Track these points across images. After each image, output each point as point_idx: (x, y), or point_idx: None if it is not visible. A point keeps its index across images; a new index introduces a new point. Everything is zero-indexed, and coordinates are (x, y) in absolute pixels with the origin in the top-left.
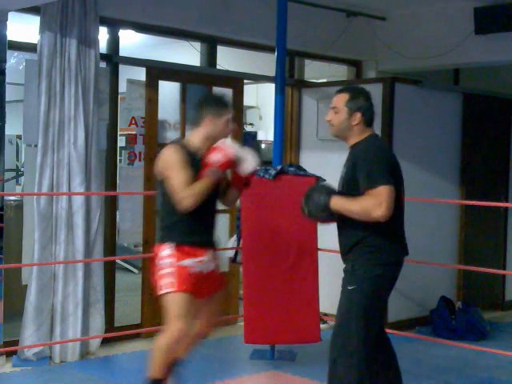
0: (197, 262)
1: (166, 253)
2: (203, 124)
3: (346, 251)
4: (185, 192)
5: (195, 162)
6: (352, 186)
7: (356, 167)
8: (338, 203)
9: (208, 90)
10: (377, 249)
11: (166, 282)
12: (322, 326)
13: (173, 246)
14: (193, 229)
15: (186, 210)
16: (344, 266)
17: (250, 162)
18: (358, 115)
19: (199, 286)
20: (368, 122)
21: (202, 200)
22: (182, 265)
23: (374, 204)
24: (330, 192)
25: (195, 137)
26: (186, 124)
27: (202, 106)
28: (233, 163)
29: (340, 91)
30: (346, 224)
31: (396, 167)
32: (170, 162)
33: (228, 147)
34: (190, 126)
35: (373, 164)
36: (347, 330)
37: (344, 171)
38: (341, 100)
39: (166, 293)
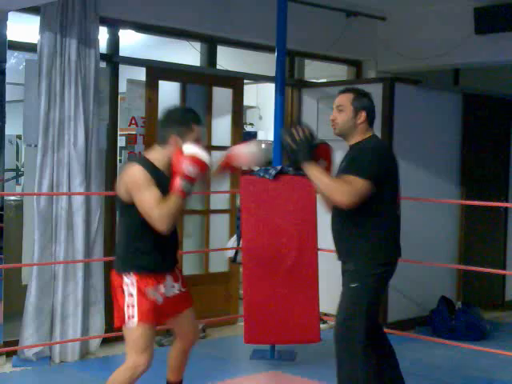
0: (159, 289)
1: (126, 281)
2: (168, 144)
3: (347, 252)
4: (158, 213)
5: (160, 180)
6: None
7: (353, 158)
8: (314, 169)
9: (173, 106)
10: (378, 248)
11: (128, 314)
12: (322, 325)
13: (133, 274)
14: (155, 253)
15: (163, 232)
16: (344, 266)
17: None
18: (363, 114)
19: (164, 311)
20: (371, 122)
21: (176, 219)
22: (145, 294)
23: (345, 190)
24: (312, 153)
25: (159, 156)
26: None
27: (165, 125)
28: (206, 170)
29: (344, 91)
30: (345, 226)
31: (392, 171)
32: (138, 181)
33: (200, 154)
34: (157, 143)
35: (365, 158)
36: (352, 328)
37: (343, 165)
38: (346, 99)
39: (128, 325)
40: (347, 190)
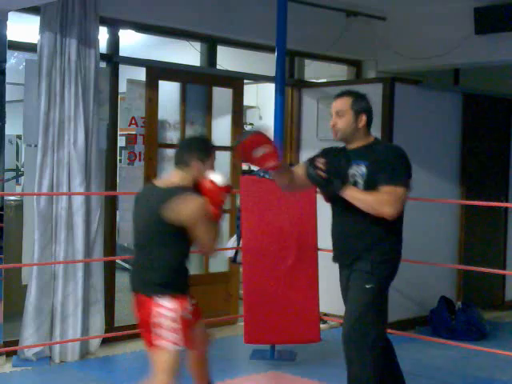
0: (190, 311)
1: (169, 305)
2: (189, 168)
3: (361, 249)
4: (215, 244)
5: None
6: (372, 186)
7: (379, 163)
8: (353, 191)
9: (193, 136)
10: (392, 249)
11: (172, 338)
12: (321, 325)
13: (172, 297)
14: (184, 277)
15: (209, 256)
16: (354, 264)
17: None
18: (364, 117)
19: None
20: (370, 124)
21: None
22: (185, 317)
23: (388, 200)
24: (343, 178)
25: (184, 180)
26: (186, 124)
27: (189, 151)
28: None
29: (341, 95)
30: (363, 226)
31: (411, 173)
32: (197, 216)
33: (225, 183)
34: (175, 166)
35: (397, 164)
36: (364, 328)
37: (362, 170)
38: (344, 103)
39: (168, 348)
40: (390, 201)
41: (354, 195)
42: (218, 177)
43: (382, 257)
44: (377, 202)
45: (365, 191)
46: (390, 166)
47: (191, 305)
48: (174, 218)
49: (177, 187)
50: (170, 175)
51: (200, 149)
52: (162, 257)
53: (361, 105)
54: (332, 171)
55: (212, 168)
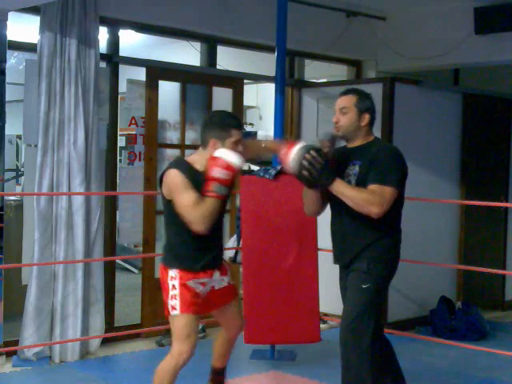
0: (201, 283)
1: (171, 274)
2: (208, 147)
3: (359, 249)
4: (195, 214)
5: (199, 182)
6: (363, 184)
7: (372, 163)
8: (341, 186)
9: (216, 111)
10: (389, 248)
11: (172, 304)
12: (322, 325)
13: (177, 268)
14: (197, 253)
15: (202, 233)
16: (352, 264)
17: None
18: (367, 116)
19: (211, 302)
20: (372, 123)
21: (213, 220)
22: (186, 286)
23: (376, 201)
24: (334, 172)
25: (200, 158)
26: (186, 124)
27: (205, 129)
28: (236, 174)
29: (346, 93)
30: (360, 226)
31: (407, 173)
32: (176, 184)
33: (228, 156)
34: (200, 146)
35: (390, 163)
36: (360, 327)
37: (356, 169)
38: (349, 101)
39: (172, 315)
40: (377, 200)
41: (341, 190)
42: (222, 152)
43: (380, 256)
44: (363, 199)
45: (353, 187)
46: (380, 165)
47: (214, 280)
48: (164, 192)
49: (172, 162)
50: (191, 156)
51: (218, 126)
52: (169, 230)
53: (365, 104)
54: (319, 164)
55: (235, 147)
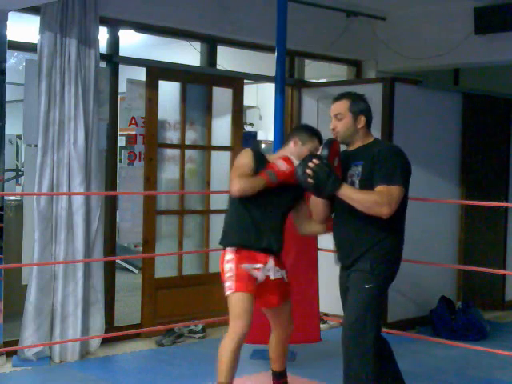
0: (256, 268)
1: (227, 257)
2: (289, 144)
3: (362, 251)
4: (236, 180)
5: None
6: (370, 182)
7: (375, 163)
8: (348, 190)
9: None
10: (392, 248)
11: (227, 285)
12: (321, 325)
13: (233, 250)
14: (252, 233)
15: (232, 194)
16: (354, 265)
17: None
18: (363, 118)
19: (266, 291)
20: (369, 124)
21: (250, 193)
22: (241, 268)
23: (384, 201)
24: (339, 178)
25: (277, 153)
26: (186, 124)
27: (293, 130)
28: (291, 176)
29: (339, 98)
30: (364, 226)
31: (411, 169)
32: (238, 160)
33: (294, 161)
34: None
35: (395, 162)
36: (363, 327)
37: (359, 169)
38: (343, 106)
39: (228, 295)
40: (386, 201)
41: (349, 194)
42: (294, 159)
43: (383, 257)
44: (371, 201)
45: (360, 190)
46: (384, 165)
47: (268, 268)
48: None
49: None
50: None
51: (303, 131)
52: (229, 210)
53: (359, 106)
54: (324, 172)
55: (307, 151)
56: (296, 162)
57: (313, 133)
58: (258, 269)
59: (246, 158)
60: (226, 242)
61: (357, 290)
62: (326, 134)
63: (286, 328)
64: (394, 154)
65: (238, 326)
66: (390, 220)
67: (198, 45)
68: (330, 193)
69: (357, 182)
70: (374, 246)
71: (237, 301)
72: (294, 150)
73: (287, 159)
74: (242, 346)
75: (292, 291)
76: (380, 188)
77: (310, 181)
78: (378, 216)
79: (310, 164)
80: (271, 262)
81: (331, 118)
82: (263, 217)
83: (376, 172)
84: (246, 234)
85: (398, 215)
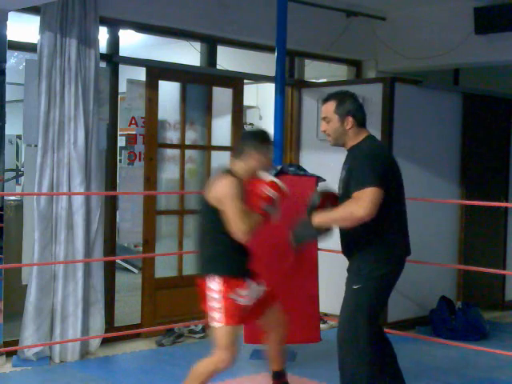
0: (242, 296)
1: (214, 286)
2: (246, 157)
3: (350, 251)
4: (243, 226)
5: (242, 193)
6: (349, 187)
7: (352, 170)
8: (321, 217)
9: (254, 128)
10: (381, 249)
11: (215, 317)
12: (322, 325)
13: (220, 279)
14: (239, 259)
15: (242, 242)
16: (348, 265)
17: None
18: (350, 119)
19: (254, 311)
20: (360, 122)
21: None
22: (230, 298)
23: (356, 207)
24: (310, 213)
25: (240, 169)
26: (186, 124)
27: (245, 140)
28: (284, 195)
29: (326, 100)
30: (350, 229)
31: (392, 168)
32: (228, 193)
33: (280, 183)
34: (232, 156)
35: (365, 166)
36: (355, 328)
37: (343, 174)
38: (329, 109)
39: (216, 327)
40: (355, 205)
41: (326, 221)
42: (270, 176)
43: (370, 257)
44: (344, 213)
45: (332, 211)
46: (356, 171)
47: (252, 289)
48: (210, 198)
49: (224, 171)
50: (232, 166)
51: (255, 141)
52: (208, 237)
53: (344, 107)
54: (300, 229)
55: (268, 159)
56: (280, 184)
57: (266, 139)
58: (244, 296)
59: (233, 188)
60: (210, 271)
61: (347, 291)
62: None
63: (279, 328)
64: (363, 157)
65: (223, 359)
66: (375, 221)
67: (198, 45)
68: (312, 232)
69: (341, 186)
70: (362, 248)
71: (226, 333)
72: (253, 162)
73: (273, 185)
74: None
75: (291, 291)
76: (354, 195)
77: (295, 244)
78: (360, 222)
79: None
80: (253, 284)
81: (321, 121)
82: (241, 244)
83: (351, 179)
84: (232, 264)
85: (384, 216)
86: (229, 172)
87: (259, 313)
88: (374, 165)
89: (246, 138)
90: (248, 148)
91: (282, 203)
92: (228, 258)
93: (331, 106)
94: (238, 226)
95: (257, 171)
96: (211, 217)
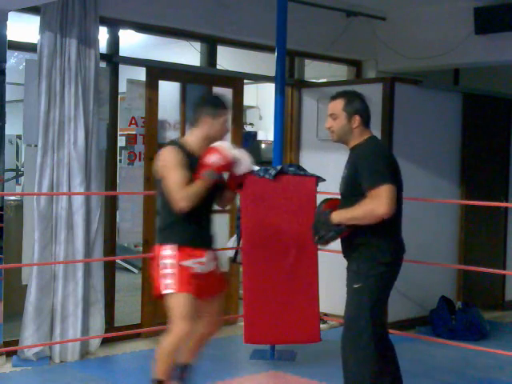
0: (197, 262)
1: (167, 253)
2: (200, 124)
3: (350, 251)
4: (180, 193)
5: (193, 163)
6: (354, 185)
7: (357, 168)
8: (339, 215)
9: (206, 91)
10: (380, 248)
11: (168, 283)
12: (321, 325)
13: (174, 246)
14: (192, 229)
15: (181, 211)
16: (347, 264)
17: (245, 164)
18: (357, 118)
19: (201, 287)
20: (366, 123)
21: (197, 201)
22: (184, 265)
23: (376, 204)
24: (329, 210)
25: (193, 137)
26: (186, 124)
27: (199, 107)
28: (230, 165)
29: (335, 97)
30: (350, 226)
31: (396, 168)
32: (167, 162)
33: (225, 149)
34: (188, 126)
35: (374, 164)
36: (357, 328)
37: (345, 172)
38: (338, 106)
39: (168, 293)
40: (376, 204)
41: (344, 217)
42: (220, 143)
43: (369, 255)
44: (364, 212)
45: (351, 209)
46: (365, 169)
47: (206, 261)
48: (156, 173)
49: (169, 141)
50: (185, 137)
51: (209, 105)
52: (162, 207)
53: (353, 106)
54: (319, 224)
55: (225, 125)
56: (225, 148)
57: (219, 103)
58: (200, 262)
59: (173, 157)
60: (164, 241)
61: (348, 291)
62: (327, 135)
63: (214, 322)
64: (368, 156)
65: (180, 329)
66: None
67: (198, 45)
68: (331, 231)
69: (342, 185)
70: (361, 246)
71: (179, 302)
72: (208, 129)
73: (217, 150)
74: (180, 348)
75: (291, 291)
76: (369, 193)
77: (316, 238)
78: (380, 220)
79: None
80: (209, 255)
81: (327, 117)
82: (198, 213)
83: (361, 180)
84: (185, 233)
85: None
86: (173, 143)
87: (209, 291)
88: (383, 163)
89: (201, 104)
90: (203, 115)
91: (226, 168)
92: (182, 227)
93: (340, 103)
94: (175, 194)
95: (214, 139)
96: (160, 188)
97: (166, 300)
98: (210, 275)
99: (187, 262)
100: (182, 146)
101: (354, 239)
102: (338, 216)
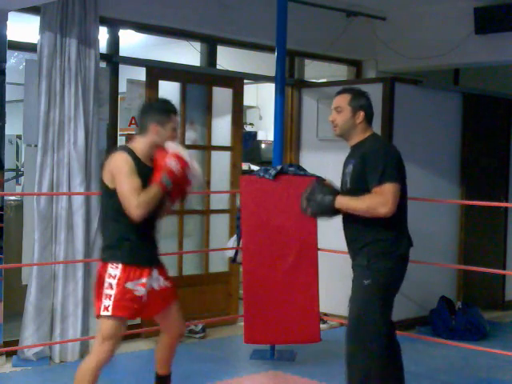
0: (140, 284)
1: (111, 272)
2: (148, 132)
3: (359, 247)
4: (136, 200)
5: (142, 171)
6: (360, 181)
7: (365, 163)
8: (343, 203)
9: (152, 98)
10: (390, 244)
11: (107, 305)
12: (321, 325)
13: (118, 266)
14: (138, 246)
15: (136, 219)
16: (355, 260)
17: (197, 177)
18: (362, 113)
19: (142, 309)
20: (369, 120)
21: (151, 209)
22: (126, 288)
23: (379, 202)
24: (334, 192)
25: (140, 145)
26: (186, 124)
27: (146, 114)
28: (185, 177)
29: (341, 92)
30: (358, 222)
31: (402, 165)
32: (120, 169)
33: (184, 156)
34: (135, 132)
35: (382, 161)
36: (365, 323)
37: (350, 168)
38: (343, 100)
39: (102, 315)
40: (379, 201)
41: (346, 206)
42: (174, 146)
43: (379, 251)
44: (367, 206)
45: (355, 198)
46: (373, 167)
47: (151, 279)
48: (105, 178)
49: (118, 148)
50: (132, 143)
51: (155, 113)
52: (108, 221)
53: (359, 102)
54: (318, 195)
55: (174, 133)
56: (184, 155)
57: (167, 109)
58: (143, 284)
59: (124, 164)
60: (109, 258)
61: (356, 287)
62: (327, 135)
63: (176, 329)
64: (379, 152)
65: (104, 351)
66: (386, 217)
67: (198, 45)
68: (330, 209)
69: (348, 180)
70: (371, 242)
71: (110, 324)
72: (158, 137)
73: (177, 157)
74: (102, 369)
75: (291, 291)
76: (375, 189)
77: (309, 210)
78: (379, 217)
79: (305, 195)
80: (155, 272)
81: (332, 111)
82: (145, 227)
83: (367, 175)
84: (132, 251)
85: (397, 212)
86: (123, 149)
87: (157, 308)
88: (389, 160)
89: (148, 111)
90: (150, 122)
91: (184, 173)
92: (129, 242)
93: (346, 97)
94: (129, 201)
95: (160, 145)
96: (109, 198)
97: (101, 320)
98: (154, 293)
99: (130, 284)
100: (132, 153)
101: (366, 235)
102: (342, 203)
